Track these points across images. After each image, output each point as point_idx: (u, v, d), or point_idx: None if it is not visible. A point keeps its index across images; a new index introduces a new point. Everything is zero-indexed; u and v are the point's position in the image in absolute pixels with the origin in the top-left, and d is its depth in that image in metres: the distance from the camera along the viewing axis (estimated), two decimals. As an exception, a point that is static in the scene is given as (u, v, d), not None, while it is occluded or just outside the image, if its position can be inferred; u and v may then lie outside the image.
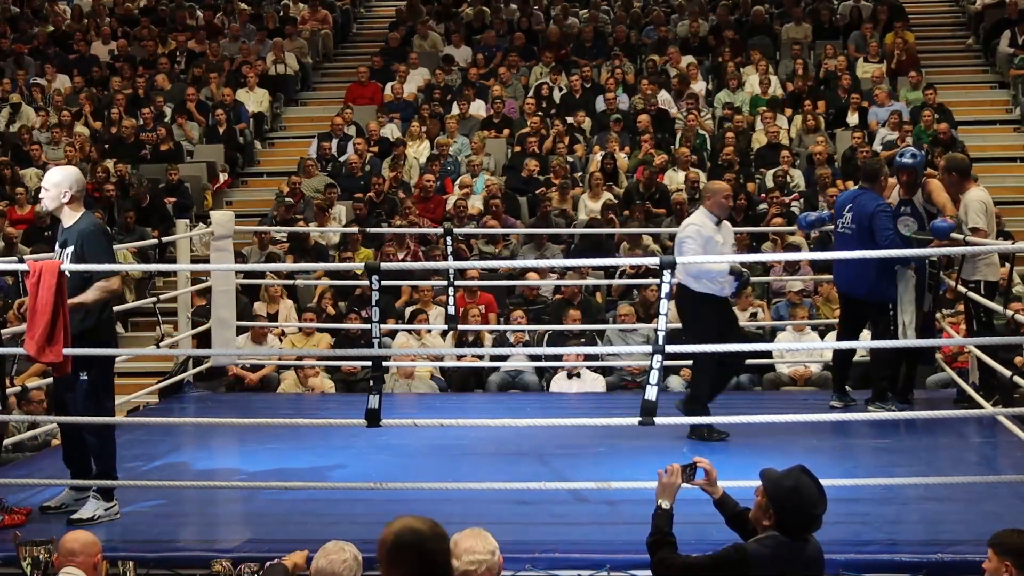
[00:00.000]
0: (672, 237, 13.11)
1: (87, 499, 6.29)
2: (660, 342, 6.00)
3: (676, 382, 10.57)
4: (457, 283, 10.22)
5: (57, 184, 6.25)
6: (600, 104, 16.65)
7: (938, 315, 9.23)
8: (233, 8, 20.55)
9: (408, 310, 11.78)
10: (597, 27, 18.79)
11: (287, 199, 14.68)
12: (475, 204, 14.26)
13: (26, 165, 15.99)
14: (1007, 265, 9.32)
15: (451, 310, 9.93)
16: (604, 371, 10.85)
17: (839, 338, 8.92)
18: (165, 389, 9.92)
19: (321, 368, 10.80)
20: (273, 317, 11.68)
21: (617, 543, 5.74)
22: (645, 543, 4.70)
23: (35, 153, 16.17)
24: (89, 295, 6.12)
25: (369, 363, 7.59)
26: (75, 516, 6.18)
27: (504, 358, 10.98)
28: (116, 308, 7.89)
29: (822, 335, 11.05)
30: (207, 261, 10.67)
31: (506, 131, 16.36)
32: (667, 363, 7.48)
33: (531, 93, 17.06)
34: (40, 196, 6.47)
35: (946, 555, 5.54)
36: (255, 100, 17.73)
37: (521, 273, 11.83)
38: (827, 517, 4.55)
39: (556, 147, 15.45)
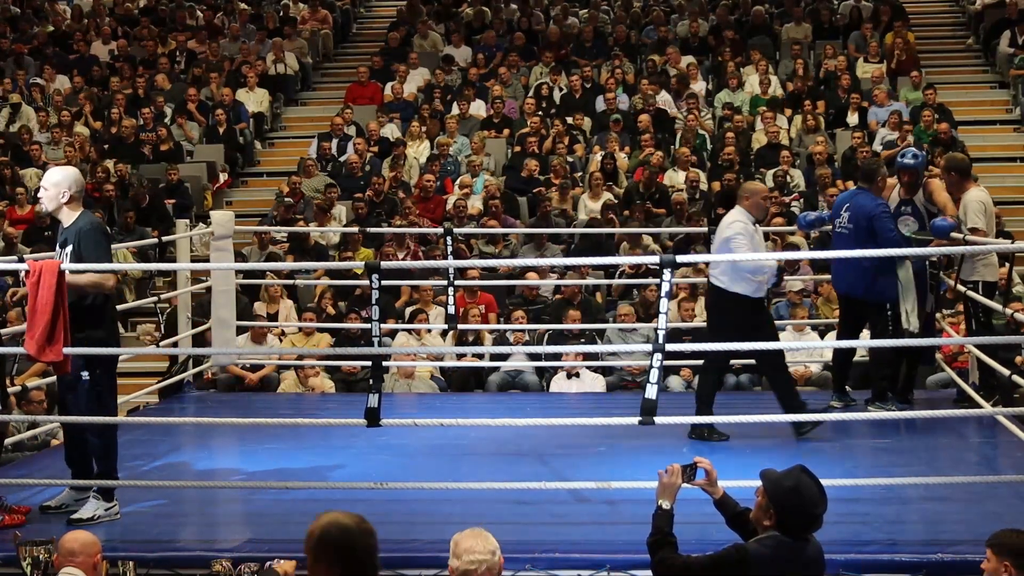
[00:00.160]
0: (672, 237, 13.31)
1: (87, 499, 6.28)
2: (660, 341, 6.00)
3: (676, 382, 10.58)
4: (457, 283, 10.21)
5: (56, 184, 6.26)
6: (600, 104, 16.64)
7: (938, 315, 9.22)
8: (233, 8, 20.54)
9: (408, 310, 11.78)
10: (597, 27, 18.78)
11: (287, 199, 14.68)
12: (475, 204, 14.25)
13: (26, 165, 15.99)
14: (1007, 265, 9.32)
15: (451, 310, 9.92)
16: (604, 371, 10.85)
17: (839, 338, 8.89)
18: (165, 389, 9.93)
19: (321, 368, 10.79)
20: (273, 317, 11.67)
21: (617, 543, 5.74)
22: (645, 543, 4.69)
23: (35, 153, 16.17)
24: (82, 278, 6.13)
25: (369, 363, 7.58)
26: (75, 516, 6.17)
27: (504, 358, 10.98)
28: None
29: (822, 335, 11.04)
30: (207, 261, 10.67)
31: (506, 131, 16.35)
32: (667, 363, 7.45)
33: (531, 93, 17.05)
34: (39, 196, 6.47)
35: (946, 555, 5.54)
36: (255, 100, 17.72)
37: (521, 273, 11.82)
38: (827, 517, 4.55)
39: (556, 147, 15.44)
